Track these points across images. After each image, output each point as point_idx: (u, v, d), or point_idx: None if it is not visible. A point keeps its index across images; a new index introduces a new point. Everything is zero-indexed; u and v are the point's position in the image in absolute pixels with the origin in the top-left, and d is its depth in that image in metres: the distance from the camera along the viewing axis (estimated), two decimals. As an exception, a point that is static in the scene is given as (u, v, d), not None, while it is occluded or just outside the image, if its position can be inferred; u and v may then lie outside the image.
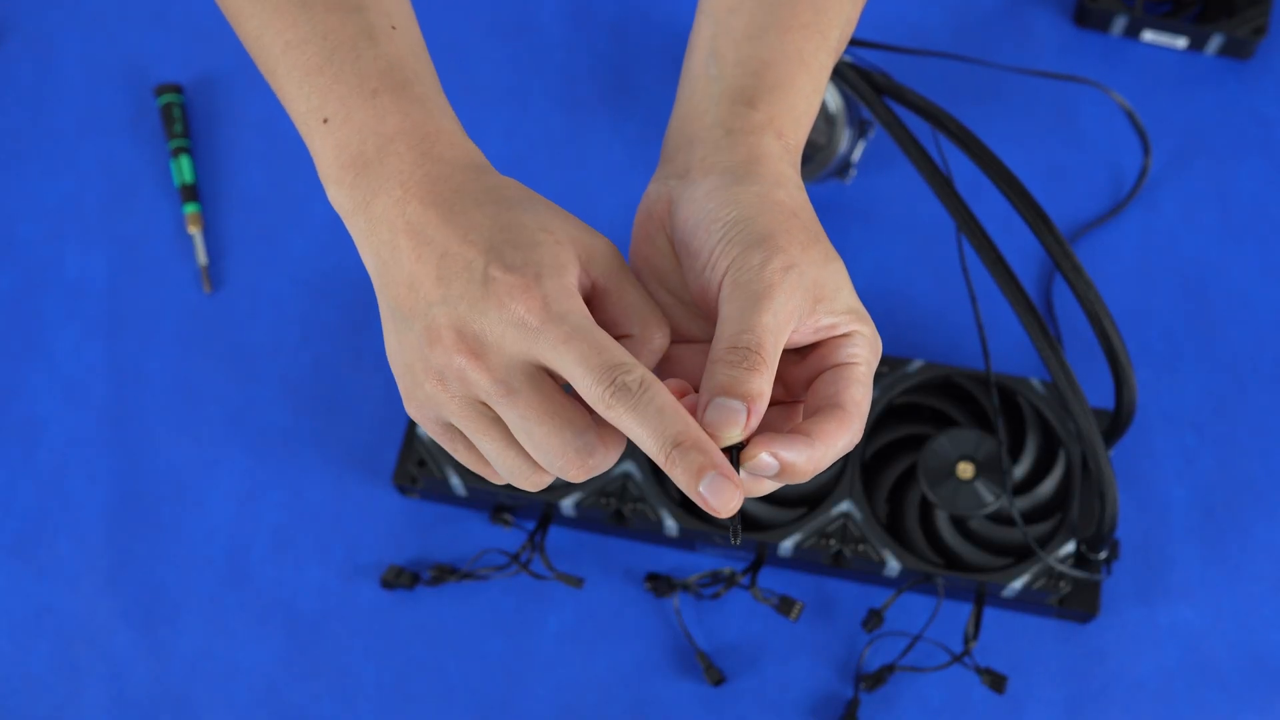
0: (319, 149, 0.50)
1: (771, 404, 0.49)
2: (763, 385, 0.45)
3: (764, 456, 0.45)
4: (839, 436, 0.46)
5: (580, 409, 0.46)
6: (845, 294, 0.49)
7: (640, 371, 0.44)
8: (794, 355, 0.50)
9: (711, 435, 0.45)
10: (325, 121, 0.50)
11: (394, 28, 0.52)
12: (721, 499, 0.44)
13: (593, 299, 0.49)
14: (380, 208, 0.48)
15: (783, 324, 0.46)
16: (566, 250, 0.47)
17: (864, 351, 0.49)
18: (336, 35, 0.50)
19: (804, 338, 0.48)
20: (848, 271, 0.52)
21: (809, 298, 0.47)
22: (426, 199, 0.47)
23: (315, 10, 0.51)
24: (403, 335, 0.48)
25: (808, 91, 0.53)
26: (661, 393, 0.44)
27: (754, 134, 0.51)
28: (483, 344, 0.45)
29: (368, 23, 0.51)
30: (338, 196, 0.49)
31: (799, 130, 0.53)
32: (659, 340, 0.49)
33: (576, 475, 0.46)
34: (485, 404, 0.47)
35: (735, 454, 0.45)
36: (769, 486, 0.47)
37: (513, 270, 0.45)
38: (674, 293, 0.51)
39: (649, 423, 0.44)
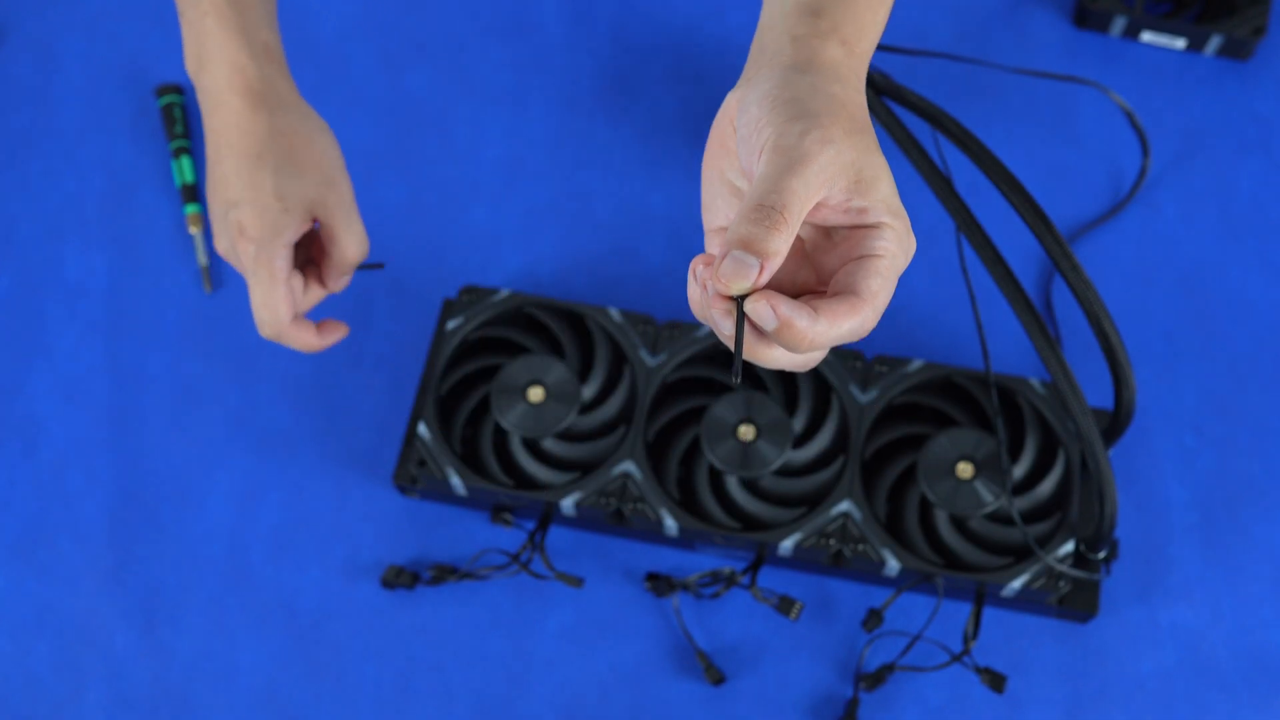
0: (183, 36, 0.71)
1: (804, 291, 0.53)
2: (780, 244, 0.49)
3: (764, 306, 0.48)
4: (846, 319, 0.49)
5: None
6: (884, 185, 0.51)
7: (280, 329, 0.70)
8: (826, 241, 0.53)
9: (723, 285, 0.49)
10: (181, 15, 0.70)
11: None
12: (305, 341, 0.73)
13: (323, 228, 0.71)
14: (202, 104, 0.70)
15: (812, 191, 0.49)
16: (292, 215, 0.69)
17: (892, 246, 0.51)
18: None
19: (835, 217, 0.51)
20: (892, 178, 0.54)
21: (845, 176, 0.50)
22: (217, 128, 0.69)
23: None
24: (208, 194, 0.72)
25: (874, 2, 0.56)
26: (292, 338, 0.71)
27: (818, 39, 0.54)
28: (223, 251, 0.71)
29: None
30: (190, 74, 0.70)
31: (864, 39, 0.56)
32: (348, 256, 0.72)
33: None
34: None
35: (741, 306, 0.48)
36: (771, 356, 0.51)
37: (243, 231, 0.69)
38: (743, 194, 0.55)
39: (288, 344, 0.72)
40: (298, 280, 0.72)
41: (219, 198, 0.69)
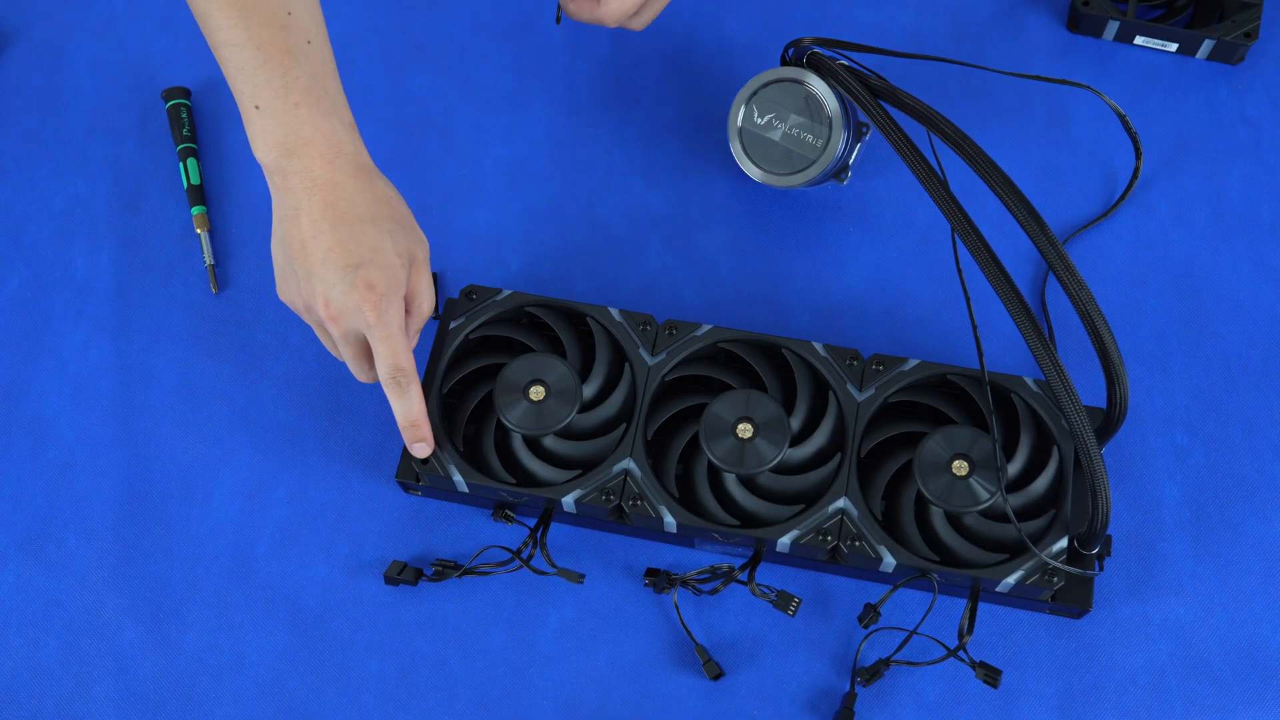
0: (251, 122, 0.74)
1: None
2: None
3: None
4: None
5: (370, 365, 0.79)
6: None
7: (409, 377, 0.77)
8: None
9: None
10: (257, 108, 0.74)
11: (309, 43, 0.74)
12: (418, 454, 0.81)
13: (409, 281, 0.77)
14: (295, 184, 0.74)
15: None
16: (403, 270, 0.75)
17: None
18: (266, 49, 0.72)
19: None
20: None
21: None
22: (327, 200, 0.74)
23: (251, 21, 0.72)
24: (288, 263, 0.76)
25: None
26: (414, 392, 0.78)
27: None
28: (338, 314, 0.75)
29: (290, 42, 0.73)
30: (263, 158, 0.74)
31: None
32: (425, 309, 0.79)
33: (359, 376, 0.80)
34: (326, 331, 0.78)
35: None
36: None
37: (371, 288, 0.74)
38: None
39: (399, 408, 0.79)
40: None
41: (332, 263, 0.74)
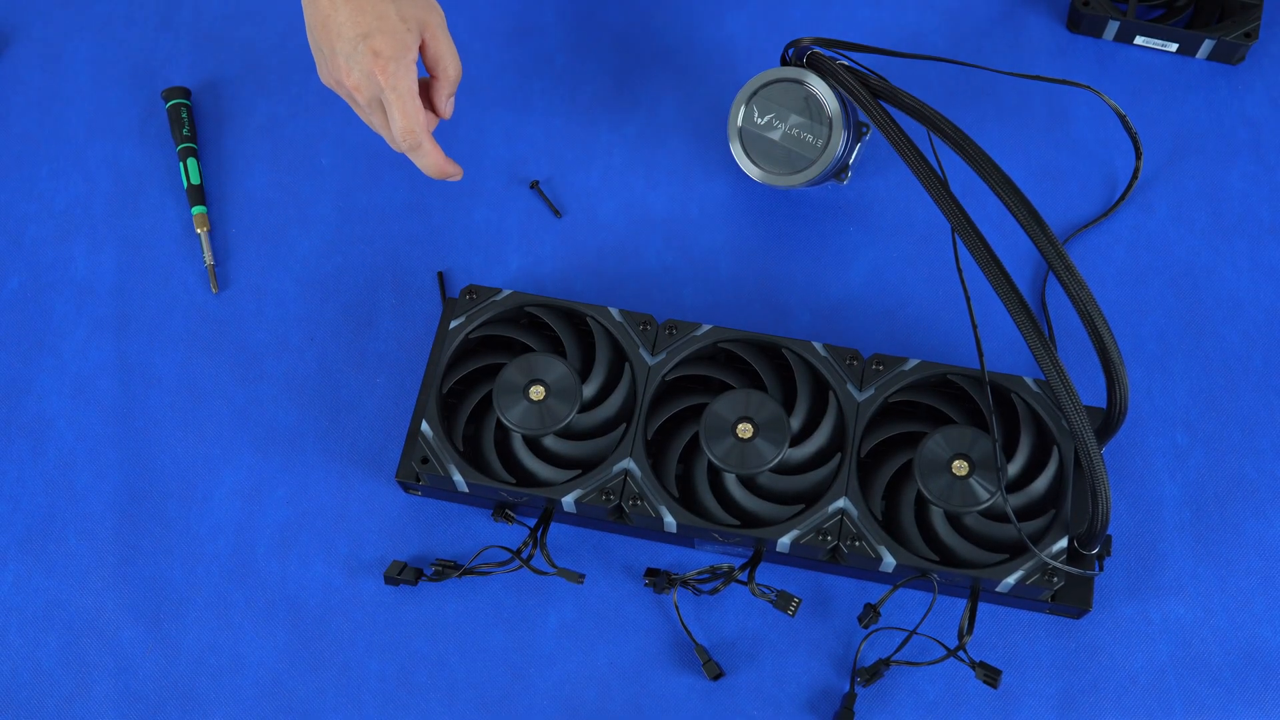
0: None
1: None
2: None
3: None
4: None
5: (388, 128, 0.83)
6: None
7: (418, 138, 0.81)
8: None
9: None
10: None
11: None
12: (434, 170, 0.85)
13: (424, 47, 0.81)
14: None
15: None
16: (414, 33, 0.79)
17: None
18: None
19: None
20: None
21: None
22: None
23: None
24: (319, 43, 0.81)
25: None
26: (426, 149, 0.83)
27: None
28: (357, 83, 0.80)
29: None
30: None
31: None
32: (452, 73, 0.83)
33: (390, 144, 0.83)
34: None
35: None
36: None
37: (378, 54, 0.78)
38: None
39: (419, 162, 0.84)
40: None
41: (344, 35, 0.78)
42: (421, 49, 0.82)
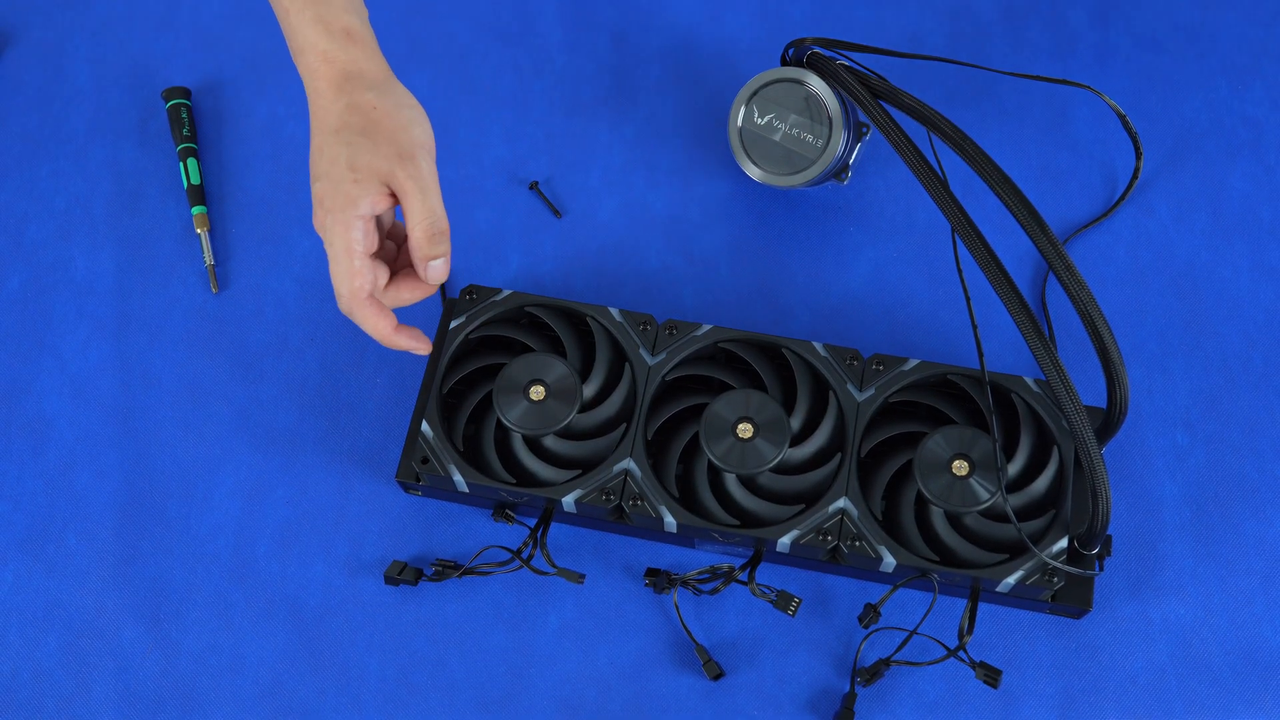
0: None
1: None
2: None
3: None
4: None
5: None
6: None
7: (351, 304, 0.72)
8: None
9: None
10: (276, 12, 0.75)
11: None
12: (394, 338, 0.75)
13: (400, 203, 0.72)
14: (308, 96, 0.74)
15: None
16: (364, 185, 0.70)
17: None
18: None
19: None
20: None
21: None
22: (313, 111, 0.73)
23: None
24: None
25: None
26: (363, 317, 0.73)
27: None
28: (317, 228, 0.73)
29: None
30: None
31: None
32: (422, 233, 0.72)
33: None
34: None
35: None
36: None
37: (319, 203, 0.71)
38: None
39: (363, 327, 0.74)
40: (382, 270, 0.73)
41: (311, 174, 0.73)
42: (399, 198, 0.72)
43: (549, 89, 1.00)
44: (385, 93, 0.72)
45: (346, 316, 0.75)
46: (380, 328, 0.73)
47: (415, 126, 0.72)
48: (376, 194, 0.71)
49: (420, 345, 0.76)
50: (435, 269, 0.73)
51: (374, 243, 0.72)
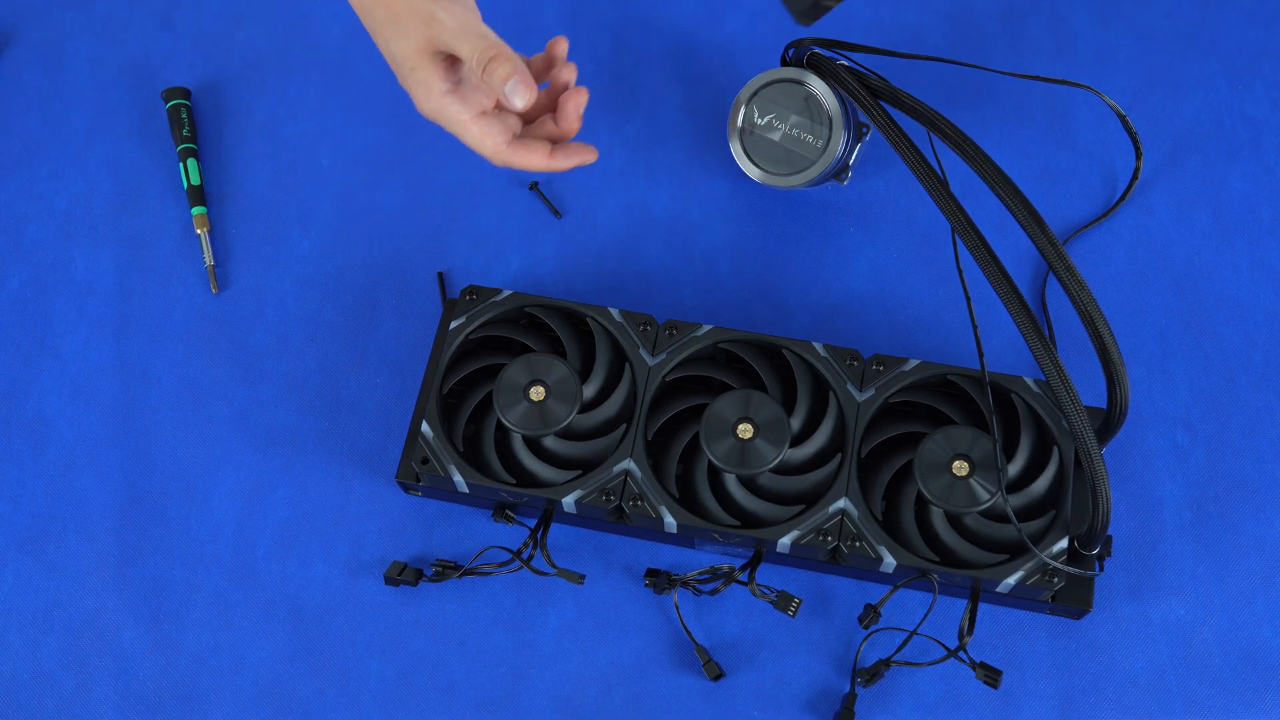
0: None
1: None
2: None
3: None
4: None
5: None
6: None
7: (495, 161, 0.76)
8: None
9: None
10: None
11: None
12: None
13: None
14: None
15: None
16: (416, 73, 0.73)
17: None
18: None
19: None
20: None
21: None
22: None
23: None
24: None
25: None
26: (518, 158, 0.75)
27: None
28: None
29: None
30: None
31: None
32: (468, 57, 0.72)
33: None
34: None
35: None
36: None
37: (416, 101, 0.74)
38: None
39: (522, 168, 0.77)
40: (509, 116, 0.76)
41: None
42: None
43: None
44: None
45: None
46: (534, 162, 0.76)
47: None
48: (433, 64, 0.73)
49: (587, 154, 0.77)
50: (510, 90, 0.71)
51: (473, 103, 0.74)
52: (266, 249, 0.95)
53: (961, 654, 0.80)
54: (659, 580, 0.83)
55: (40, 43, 1.04)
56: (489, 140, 0.75)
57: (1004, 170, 0.70)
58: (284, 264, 0.95)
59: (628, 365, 0.84)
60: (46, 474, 0.89)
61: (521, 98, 0.72)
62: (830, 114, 0.87)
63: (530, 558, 0.83)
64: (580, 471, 0.81)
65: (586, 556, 0.85)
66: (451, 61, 0.74)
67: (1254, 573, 0.83)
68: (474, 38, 0.72)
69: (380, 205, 0.96)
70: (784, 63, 0.88)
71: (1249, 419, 0.86)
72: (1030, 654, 0.81)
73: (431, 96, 0.73)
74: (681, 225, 0.95)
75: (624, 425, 0.82)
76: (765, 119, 0.89)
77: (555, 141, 0.78)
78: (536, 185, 0.95)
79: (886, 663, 0.80)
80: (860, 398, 0.82)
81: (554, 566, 0.82)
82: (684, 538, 0.83)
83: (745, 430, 0.80)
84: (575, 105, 0.76)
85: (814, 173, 0.89)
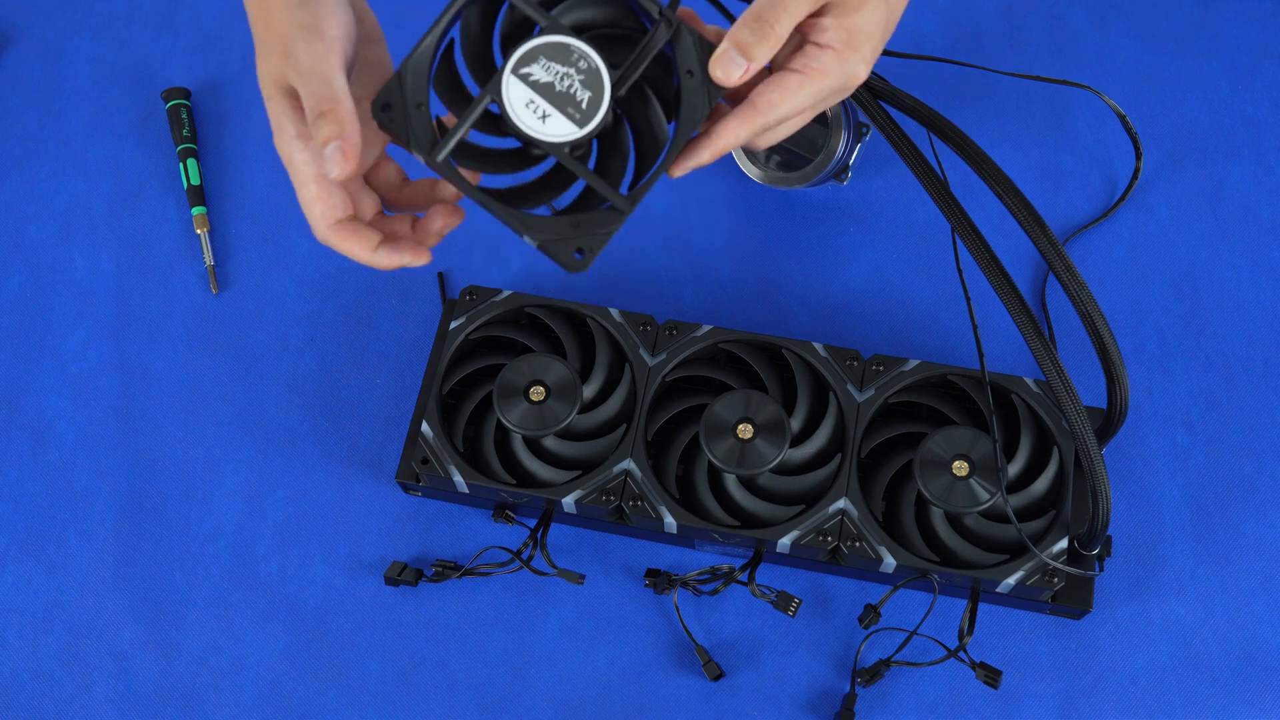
0: None
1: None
2: (765, 53, 0.59)
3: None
4: (729, 128, 0.60)
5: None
6: (859, 18, 0.58)
7: (316, 234, 0.63)
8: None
9: (721, 75, 0.60)
10: None
11: None
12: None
13: None
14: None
15: (794, 12, 0.59)
16: (271, 102, 0.62)
17: (821, 65, 0.58)
18: None
19: (809, 33, 0.61)
20: (884, 47, 0.63)
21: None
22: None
23: None
24: None
25: None
26: (338, 241, 0.63)
27: None
28: None
29: None
30: None
31: None
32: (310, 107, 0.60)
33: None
34: None
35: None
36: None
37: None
38: None
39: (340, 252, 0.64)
40: (363, 194, 0.65)
41: None
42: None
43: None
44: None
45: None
46: (354, 251, 0.63)
47: (300, 10, 0.62)
48: (284, 99, 0.62)
49: (418, 256, 0.64)
50: (329, 154, 0.60)
51: (315, 160, 0.63)
52: (266, 249, 0.95)
53: (961, 654, 0.80)
54: (659, 580, 0.83)
55: (40, 43, 1.04)
56: (317, 208, 0.63)
57: (1004, 170, 0.70)
58: (284, 264, 0.95)
59: (628, 365, 0.84)
60: (46, 474, 0.89)
61: (337, 166, 0.60)
62: (830, 114, 0.87)
63: (530, 558, 0.83)
64: (580, 472, 0.81)
65: (586, 556, 0.85)
66: (297, 104, 0.63)
67: (1254, 573, 0.83)
68: (317, 84, 0.60)
69: (380, 205, 0.96)
70: (784, 63, 0.88)
71: (1249, 419, 0.86)
72: (1030, 654, 0.81)
73: (283, 137, 0.62)
74: (681, 225, 0.95)
75: (624, 425, 0.83)
76: (765, 119, 0.89)
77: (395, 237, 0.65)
78: None
79: (886, 663, 0.80)
80: (860, 398, 0.82)
81: (554, 567, 0.82)
82: (684, 538, 0.83)
83: (745, 430, 0.80)
84: (443, 225, 0.65)
85: (814, 173, 0.89)
